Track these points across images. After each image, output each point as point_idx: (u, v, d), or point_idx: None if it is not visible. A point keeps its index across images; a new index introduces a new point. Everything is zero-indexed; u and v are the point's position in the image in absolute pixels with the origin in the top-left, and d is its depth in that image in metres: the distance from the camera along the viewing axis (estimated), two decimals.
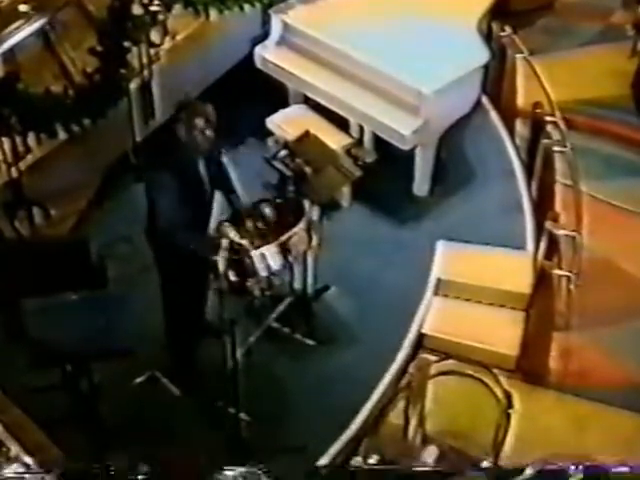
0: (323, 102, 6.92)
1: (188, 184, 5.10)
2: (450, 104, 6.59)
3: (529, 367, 5.67)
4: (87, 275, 5.12)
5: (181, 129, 5.11)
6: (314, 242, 5.46)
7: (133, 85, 6.72)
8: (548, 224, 5.94)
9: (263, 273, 5.18)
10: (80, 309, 4.94)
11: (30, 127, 6.15)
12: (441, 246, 6.37)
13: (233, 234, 5.08)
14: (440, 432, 5.09)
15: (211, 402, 5.47)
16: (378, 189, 6.77)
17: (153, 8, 6.52)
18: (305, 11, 7.13)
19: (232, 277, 5.07)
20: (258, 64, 7.17)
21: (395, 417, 5.39)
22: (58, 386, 5.11)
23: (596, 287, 5.68)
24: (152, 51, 6.80)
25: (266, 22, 7.29)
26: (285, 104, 7.29)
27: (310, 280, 6.00)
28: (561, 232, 5.86)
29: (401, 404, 5.37)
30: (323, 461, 5.16)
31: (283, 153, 5.74)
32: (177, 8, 6.98)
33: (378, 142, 6.86)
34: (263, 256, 5.13)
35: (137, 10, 6.45)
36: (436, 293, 6.19)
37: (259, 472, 4.39)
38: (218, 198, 5.48)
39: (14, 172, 6.20)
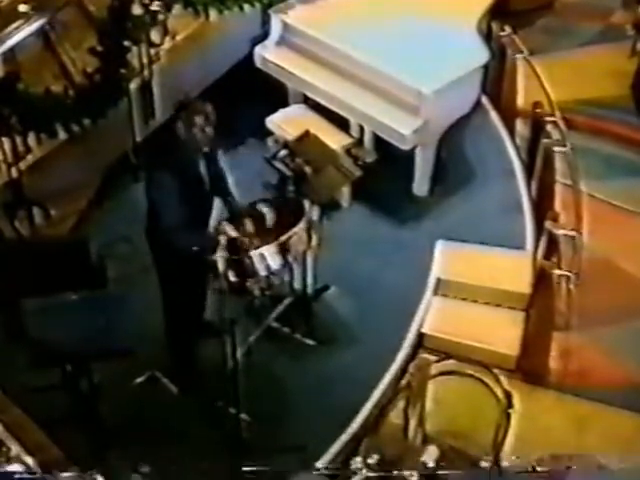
0: (323, 102, 6.92)
1: (188, 184, 5.10)
2: (450, 104, 6.59)
3: (529, 367, 5.67)
4: (87, 275, 5.13)
5: (181, 127, 5.11)
6: (314, 242, 5.46)
7: (133, 85, 6.73)
8: (548, 224, 5.94)
9: (263, 273, 5.18)
10: (80, 309, 4.94)
11: (30, 127, 6.16)
12: (441, 246, 6.37)
13: (233, 232, 5.09)
14: (440, 432, 5.08)
15: (211, 402, 5.47)
16: (378, 189, 6.77)
17: (153, 8, 6.52)
18: (305, 11, 7.13)
19: (232, 277, 5.07)
20: (258, 64, 7.17)
21: (395, 417, 5.39)
22: (58, 386, 5.11)
23: (596, 287, 5.68)
24: (152, 51, 6.81)
25: (266, 22, 7.29)
26: (285, 104, 7.29)
27: (310, 280, 6.00)
28: (561, 232, 5.87)
29: (401, 404, 5.37)
30: (323, 461, 5.16)
31: (283, 153, 5.75)
32: (177, 8, 6.98)
33: (378, 142, 6.86)
34: (263, 256, 5.13)
35: (137, 10, 6.45)
36: (436, 293, 6.19)
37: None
38: (217, 199, 5.48)
39: (14, 172, 6.21)
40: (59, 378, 5.08)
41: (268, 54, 7.13)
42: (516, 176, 7.01)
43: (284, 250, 5.20)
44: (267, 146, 6.93)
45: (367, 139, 6.96)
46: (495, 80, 7.33)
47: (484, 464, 4.63)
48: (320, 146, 5.94)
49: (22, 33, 5.94)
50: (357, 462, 4.60)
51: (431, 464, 4.65)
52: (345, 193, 6.74)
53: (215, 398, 5.45)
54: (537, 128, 6.72)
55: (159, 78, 6.92)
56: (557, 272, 5.69)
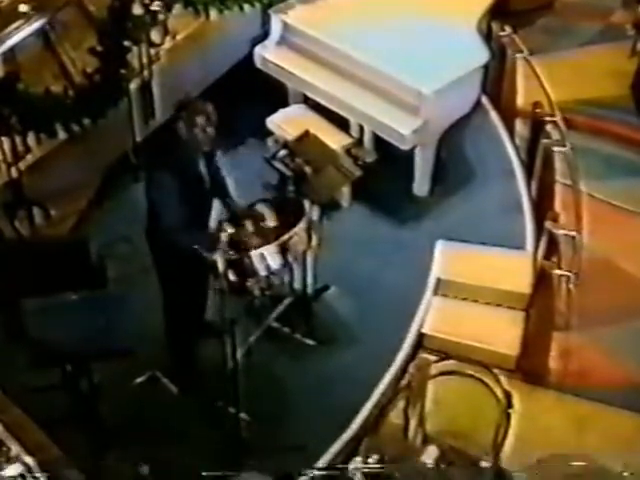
0: (323, 102, 6.92)
1: (188, 184, 5.10)
2: (450, 104, 6.59)
3: (529, 367, 5.67)
4: (87, 275, 5.13)
5: (182, 127, 5.11)
6: (314, 242, 5.46)
7: (133, 85, 6.72)
8: (548, 224, 5.94)
9: (263, 273, 5.18)
10: (80, 309, 4.95)
11: (30, 127, 6.16)
12: (441, 246, 6.37)
13: (233, 231, 5.10)
14: (440, 432, 5.08)
15: (211, 402, 5.47)
16: (378, 189, 6.77)
17: (153, 8, 6.51)
18: (305, 11, 7.13)
19: (232, 277, 5.07)
20: (258, 64, 7.17)
21: (395, 417, 5.39)
22: (58, 386, 5.11)
23: (596, 287, 5.68)
24: (152, 51, 6.80)
25: (266, 22, 7.29)
26: (285, 104, 7.29)
27: (310, 280, 6.00)
28: (561, 232, 5.86)
29: (401, 404, 5.36)
30: (323, 461, 5.16)
31: (283, 153, 5.75)
32: (177, 8, 6.98)
33: (378, 142, 6.86)
34: (263, 256, 5.13)
35: (137, 10, 6.45)
36: (436, 293, 6.19)
37: None
38: (216, 200, 5.48)
39: (14, 172, 6.20)
40: (59, 378, 5.08)
41: (268, 54, 7.13)
42: (516, 176, 7.00)
43: (284, 250, 5.20)
44: (267, 146, 6.92)
45: (367, 139, 6.96)
46: (495, 80, 7.33)
47: (484, 464, 4.64)
48: (320, 146, 5.94)
49: (22, 33, 5.94)
50: (357, 462, 4.60)
51: (431, 464, 4.65)
52: (345, 193, 6.74)
53: (215, 398, 5.45)
54: (537, 128, 6.72)
55: (159, 78, 6.92)
56: (557, 272, 5.69)
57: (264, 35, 7.26)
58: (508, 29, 7.36)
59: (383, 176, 6.77)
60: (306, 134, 5.97)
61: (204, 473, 4.56)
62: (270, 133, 7.06)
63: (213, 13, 7.15)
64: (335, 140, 6.62)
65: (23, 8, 5.94)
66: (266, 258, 5.14)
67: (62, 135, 6.30)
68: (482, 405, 5.22)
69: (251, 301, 5.60)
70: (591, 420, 5.07)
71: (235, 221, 5.28)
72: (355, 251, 6.35)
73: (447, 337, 5.89)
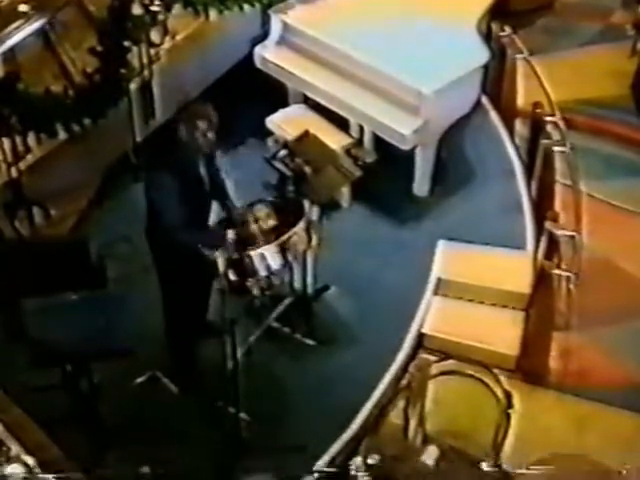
0: (323, 102, 6.92)
1: (188, 184, 5.10)
2: (450, 104, 6.59)
3: (529, 367, 5.67)
4: (87, 275, 5.13)
5: (183, 131, 5.11)
6: (314, 242, 5.46)
7: (133, 85, 6.72)
8: (548, 224, 5.94)
9: (263, 273, 5.19)
10: (80, 309, 4.95)
11: (30, 127, 6.15)
12: (441, 246, 6.37)
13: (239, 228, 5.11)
14: (440, 432, 5.09)
15: (211, 402, 5.47)
16: (378, 189, 6.77)
17: (153, 8, 6.52)
18: (305, 11, 7.13)
19: (232, 277, 5.07)
20: (258, 64, 7.17)
21: (395, 417, 5.38)
22: (58, 386, 5.11)
23: (596, 287, 5.68)
24: (152, 51, 6.80)
25: (266, 22, 7.29)
26: (285, 104, 7.29)
27: (310, 280, 6.00)
28: (561, 232, 5.86)
29: (401, 404, 5.37)
30: (323, 461, 5.16)
31: (283, 153, 5.74)
32: (177, 8, 6.98)
33: (378, 142, 6.86)
34: (263, 256, 5.14)
35: (137, 10, 6.45)
36: (436, 293, 6.19)
37: None
38: (215, 202, 5.48)
39: (14, 172, 6.21)
40: (59, 378, 5.08)
41: (268, 54, 7.13)
42: (516, 176, 7.00)
43: (284, 250, 5.20)
44: (267, 146, 6.93)
45: (367, 139, 6.96)
46: (495, 80, 7.33)
47: (484, 464, 4.64)
48: (320, 146, 5.94)
49: (22, 33, 5.94)
50: (357, 462, 4.60)
51: (431, 464, 4.65)
52: (345, 193, 6.74)
53: (215, 398, 5.45)
54: (537, 128, 6.72)
55: (159, 78, 6.92)
56: (557, 272, 5.69)
57: (264, 35, 7.25)
58: (508, 29, 7.36)
59: (383, 176, 6.77)
60: (306, 134, 5.97)
61: None
62: (270, 133, 7.06)
63: (213, 13, 7.15)
64: (335, 140, 6.62)
65: (23, 8, 5.95)
66: (266, 258, 5.15)
67: (62, 135, 6.30)
68: (482, 405, 5.23)
69: (251, 301, 5.60)
70: (591, 420, 5.07)
71: (235, 221, 5.29)
72: (355, 251, 6.35)
73: (447, 337, 5.89)
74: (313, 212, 5.50)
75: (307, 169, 5.64)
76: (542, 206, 6.51)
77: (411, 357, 5.84)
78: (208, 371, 5.56)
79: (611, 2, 7.81)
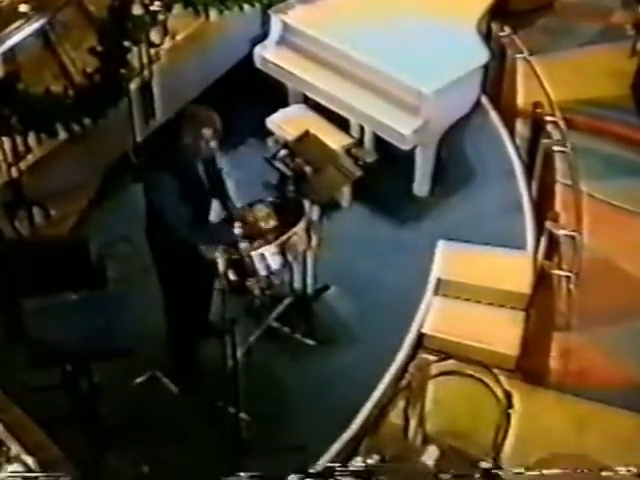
0: (323, 102, 6.92)
1: (188, 184, 5.10)
2: (450, 104, 6.59)
3: (529, 367, 5.67)
4: (87, 275, 5.13)
5: (188, 138, 5.09)
6: (314, 242, 5.46)
7: (133, 85, 6.72)
8: (548, 224, 5.94)
9: (263, 273, 5.19)
10: (80, 309, 4.95)
11: (30, 127, 6.15)
12: (441, 246, 6.37)
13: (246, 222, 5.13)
14: (440, 432, 5.09)
15: (211, 402, 5.47)
16: (378, 189, 6.77)
17: (153, 8, 6.51)
18: (305, 11, 7.12)
19: (232, 277, 5.07)
20: (258, 64, 7.17)
21: (395, 417, 5.39)
22: (58, 386, 5.11)
23: (596, 287, 5.68)
24: (152, 51, 6.80)
25: (266, 22, 7.29)
26: (285, 104, 7.29)
27: (310, 280, 6.00)
28: (561, 232, 5.86)
29: (401, 404, 5.37)
30: (323, 461, 5.16)
31: (283, 153, 5.74)
32: (177, 8, 6.97)
33: (378, 142, 6.86)
34: (263, 256, 5.14)
35: (137, 10, 6.44)
36: (436, 293, 6.19)
37: None
38: (215, 202, 5.48)
39: (14, 172, 6.20)
40: (59, 378, 5.08)
41: (268, 54, 7.13)
42: (516, 176, 7.00)
43: (284, 250, 5.20)
44: (267, 146, 6.92)
45: (367, 139, 6.96)
46: (495, 80, 7.33)
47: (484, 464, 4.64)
48: (320, 146, 5.94)
49: (22, 33, 5.94)
50: (357, 462, 4.60)
51: (431, 464, 4.65)
52: (345, 193, 6.74)
53: (215, 398, 5.45)
54: (537, 128, 6.72)
55: (159, 78, 6.92)
56: (557, 272, 5.69)
57: (264, 35, 7.25)
58: (508, 29, 7.36)
59: (383, 176, 6.76)
60: (306, 134, 5.97)
61: None
62: (270, 133, 7.06)
63: (213, 13, 7.14)
64: (335, 140, 6.62)
65: (23, 8, 5.94)
66: (266, 258, 5.15)
67: (62, 135, 6.30)
68: (482, 405, 5.23)
69: (251, 301, 5.60)
70: (591, 420, 5.07)
71: (234, 221, 5.29)
72: (355, 251, 6.35)
73: (447, 337, 5.89)
74: (313, 212, 5.50)
75: (307, 169, 5.64)
76: (542, 206, 6.51)
77: (411, 357, 5.84)
78: (208, 371, 5.56)
79: (611, 2, 7.81)
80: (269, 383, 5.63)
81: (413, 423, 5.14)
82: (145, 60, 6.72)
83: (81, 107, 6.26)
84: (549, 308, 5.67)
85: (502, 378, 5.35)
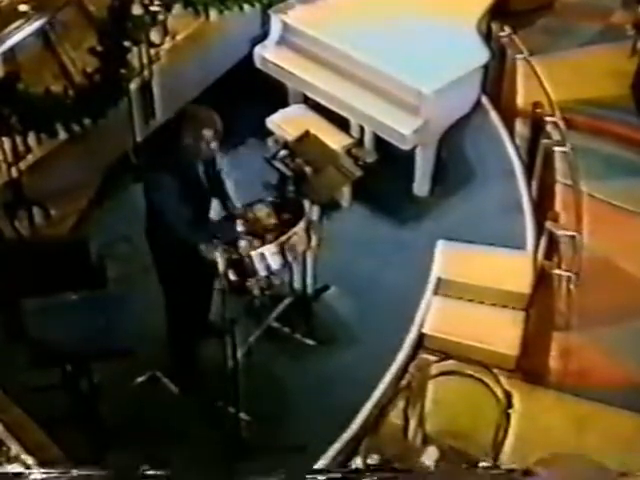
0: (323, 102, 6.92)
1: (188, 184, 5.10)
2: (450, 104, 6.59)
3: (529, 367, 5.68)
4: (87, 275, 5.13)
5: (188, 138, 5.09)
6: (314, 242, 5.46)
7: (133, 85, 6.72)
8: (548, 224, 5.94)
9: (263, 273, 5.19)
10: (80, 309, 4.95)
11: (30, 127, 6.15)
12: (441, 246, 6.37)
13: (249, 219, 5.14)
14: (440, 432, 5.09)
15: (211, 402, 5.47)
16: (378, 189, 6.77)
17: (153, 8, 6.52)
18: (305, 11, 7.13)
19: (232, 277, 5.07)
20: (258, 64, 7.17)
21: (395, 417, 5.39)
22: (58, 386, 5.11)
23: (596, 287, 5.68)
24: (152, 51, 6.80)
25: (266, 22, 7.29)
26: (285, 104, 7.29)
27: (310, 280, 6.00)
28: (561, 232, 5.86)
29: (401, 404, 5.37)
30: (323, 461, 5.16)
31: (283, 153, 5.74)
32: (177, 8, 6.98)
33: (378, 142, 6.86)
34: (263, 256, 5.14)
35: (137, 10, 6.45)
36: (436, 293, 6.19)
37: None
38: (215, 202, 5.48)
39: (14, 172, 6.21)
40: (59, 378, 5.08)
41: (268, 54, 7.13)
42: (516, 176, 7.00)
43: (284, 250, 5.20)
44: (267, 146, 6.92)
45: (367, 139, 6.96)
46: (495, 80, 7.33)
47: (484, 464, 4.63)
48: (320, 146, 5.94)
49: (22, 33, 5.94)
50: (357, 462, 4.59)
51: (431, 464, 4.65)
52: (345, 193, 6.74)
53: (215, 398, 5.45)
54: (537, 128, 6.72)
55: (159, 78, 6.92)
56: (557, 272, 5.69)
57: (264, 35, 7.25)
58: (508, 29, 7.36)
59: (383, 176, 6.77)
60: (306, 134, 5.97)
61: None
62: (270, 133, 7.06)
63: (213, 13, 7.14)
64: (335, 140, 6.62)
65: (23, 8, 5.95)
66: (266, 258, 5.15)
67: (62, 135, 6.30)
68: (482, 405, 5.23)
69: (251, 301, 5.60)
70: (591, 420, 5.07)
71: (234, 220, 5.29)
72: (355, 251, 6.35)
73: (447, 337, 5.89)
74: (313, 212, 5.50)
75: (307, 169, 5.64)
76: (542, 206, 6.51)
77: (411, 357, 5.84)
78: (208, 371, 5.56)
79: (611, 2, 7.81)
80: (269, 383, 5.63)
81: (413, 423, 5.14)
82: (145, 60, 6.72)
83: (81, 107, 6.26)
84: (549, 308, 5.67)
85: (502, 378, 5.35)
